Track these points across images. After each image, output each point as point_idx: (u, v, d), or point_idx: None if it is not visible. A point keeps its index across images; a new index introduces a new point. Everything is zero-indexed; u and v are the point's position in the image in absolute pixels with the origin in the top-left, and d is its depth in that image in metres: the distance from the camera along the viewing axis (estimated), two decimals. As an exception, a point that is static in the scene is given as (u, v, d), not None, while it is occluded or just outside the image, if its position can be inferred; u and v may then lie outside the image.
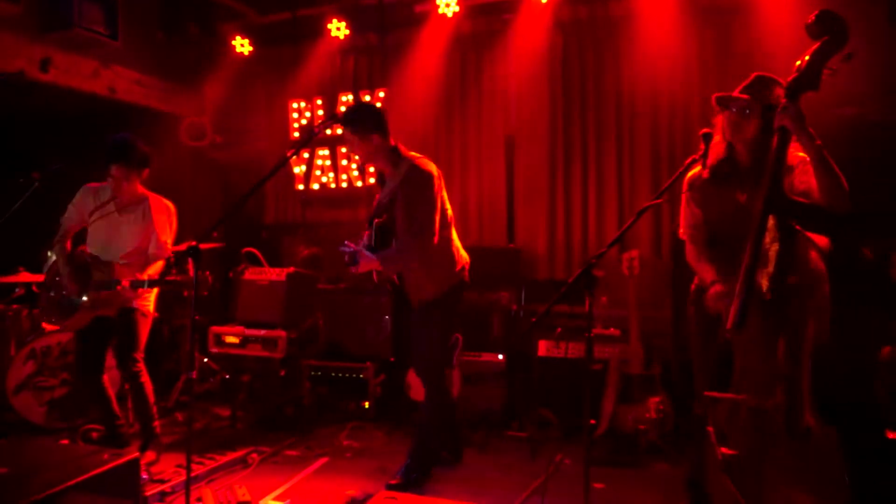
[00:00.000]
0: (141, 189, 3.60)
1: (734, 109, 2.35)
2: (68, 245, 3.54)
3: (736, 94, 2.40)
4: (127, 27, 4.98)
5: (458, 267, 3.31)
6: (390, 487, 3.13)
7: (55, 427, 4.05)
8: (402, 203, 3.04)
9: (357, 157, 3.41)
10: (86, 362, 3.55)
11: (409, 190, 3.04)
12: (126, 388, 3.91)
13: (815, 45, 2.02)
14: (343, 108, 3.06)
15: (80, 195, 3.58)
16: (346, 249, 2.98)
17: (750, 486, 2.03)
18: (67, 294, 3.45)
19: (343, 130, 3.21)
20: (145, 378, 3.56)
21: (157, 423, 3.61)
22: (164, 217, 3.60)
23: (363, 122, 3.07)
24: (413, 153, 3.20)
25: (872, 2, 4.04)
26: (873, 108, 4.02)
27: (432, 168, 3.14)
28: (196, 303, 2.72)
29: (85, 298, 3.38)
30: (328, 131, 3.15)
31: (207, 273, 3.30)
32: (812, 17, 2.02)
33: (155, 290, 3.65)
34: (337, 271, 5.40)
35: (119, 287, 3.21)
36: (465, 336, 4.27)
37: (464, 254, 3.39)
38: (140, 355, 3.55)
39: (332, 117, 3.24)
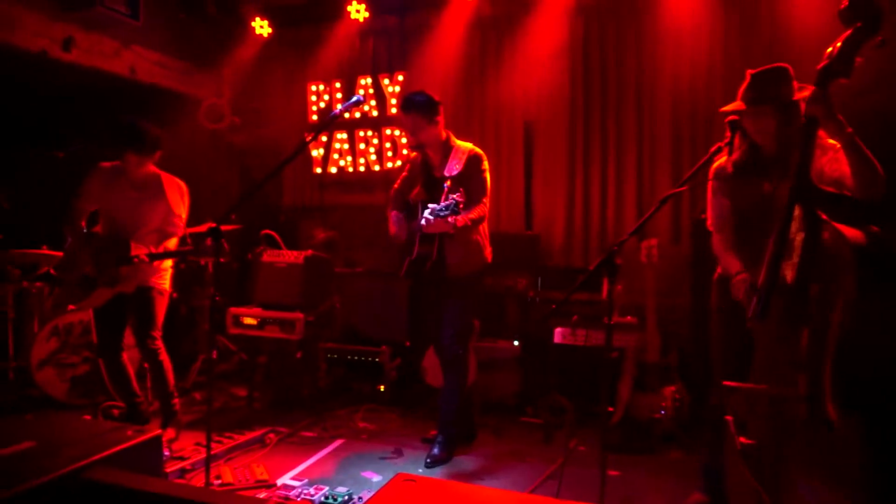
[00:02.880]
0: (153, 168, 3.62)
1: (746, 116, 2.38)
2: (83, 224, 3.57)
3: (738, 98, 2.42)
4: (148, 7, 4.98)
5: (489, 251, 3.56)
6: (429, 465, 3.36)
7: (77, 403, 4.13)
8: (474, 179, 3.35)
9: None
10: (105, 340, 3.60)
11: (477, 169, 3.39)
12: (145, 366, 3.97)
13: (847, 32, 1.97)
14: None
15: (92, 175, 3.59)
16: (450, 200, 3.03)
17: (768, 475, 2.01)
18: (85, 273, 3.49)
19: (407, 113, 3.37)
20: (164, 356, 3.60)
21: (176, 401, 3.67)
22: (178, 195, 3.62)
23: (432, 106, 3.36)
24: (457, 140, 3.50)
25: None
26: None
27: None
28: (215, 283, 2.75)
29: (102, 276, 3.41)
30: (346, 115, 3.22)
31: (224, 241, 3.30)
32: (845, 3, 1.96)
33: (170, 269, 3.69)
34: (352, 255, 5.43)
35: (136, 260, 3.25)
36: (482, 322, 4.29)
37: None
38: (158, 333, 3.59)
39: (406, 102, 3.39)
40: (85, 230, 3.55)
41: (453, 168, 3.38)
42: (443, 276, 3.41)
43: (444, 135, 3.46)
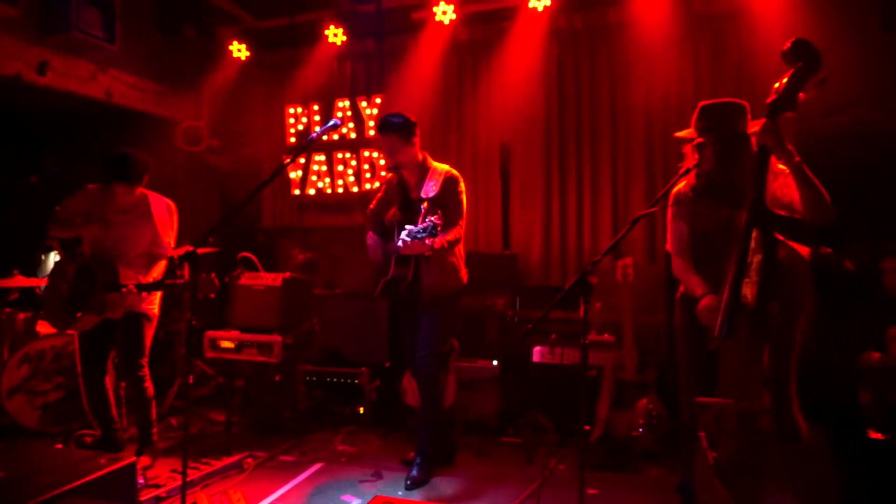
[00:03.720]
0: (140, 189, 3.59)
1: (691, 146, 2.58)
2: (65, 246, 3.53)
3: (692, 126, 2.59)
4: (124, 31, 4.99)
5: (465, 272, 3.58)
6: (409, 487, 3.34)
7: (49, 431, 4.03)
8: (451, 201, 3.39)
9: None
10: (89, 364, 3.54)
11: (454, 191, 3.43)
12: (121, 392, 3.91)
13: (791, 70, 2.11)
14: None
15: (78, 196, 3.55)
16: (427, 223, 3.05)
17: (741, 489, 2.05)
18: (71, 294, 3.43)
19: (384, 135, 3.41)
20: (148, 383, 3.56)
21: (154, 430, 3.61)
22: (166, 216, 3.59)
23: (408, 127, 3.41)
24: (433, 161, 3.56)
25: (865, 9, 4.10)
26: (867, 114, 4.07)
27: None
28: (192, 307, 2.74)
29: (90, 301, 3.36)
30: (324, 137, 3.25)
31: (213, 275, 3.31)
32: (787, 45, 2.12)
33: (159, 294, 3.65)
34: (331, 276, 5.42)
35: (124, 290, 3.22)
36: (461, 342, 4.29)
37: None
38: (145, 360, 3.55)
39: (383, 124, 3.43)
40: (69, 251, 3.51)
41: (430, 190, 3.41)
42: (419, 298, 3.42)
43: (420, 156, 3.50)
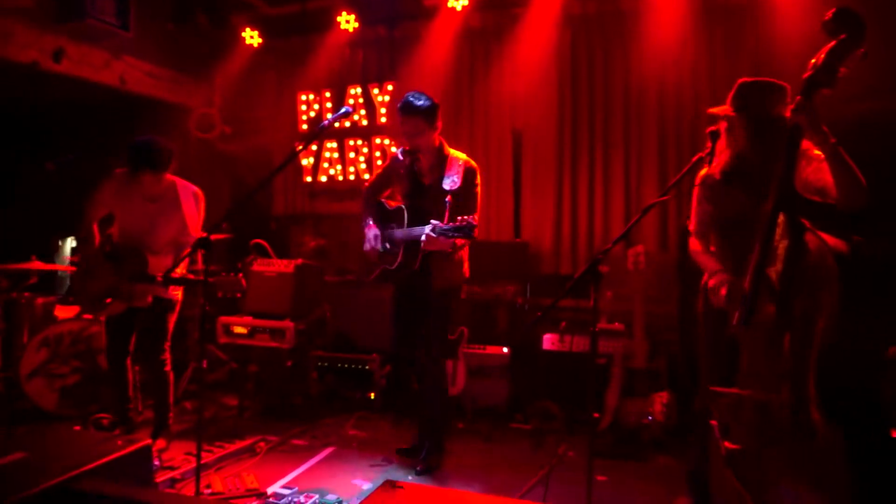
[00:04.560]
0: (169, 176, 3.59)
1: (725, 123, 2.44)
2: (95, 230, 3.58)
3: (727, 104, 2.45)
4: (138, 18, 5.01)
5: (468, 265, 3.51)
6: (418, 473, 3.34)
7: (66, 414, 4.12)
8: (468, 194, 3.31)
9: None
10: (114, 346, 3.62)
11: (472, 184, 3.34)
12: (136, 375, 3.98)
13: (832, 43, 1.98)
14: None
15: (108, 181, 3.56)
16: (462, 222, 2.99)
17: (752, 480, 2.04)
18: (100, 281, 3.49)
19: (409, 117, 3.26)
20: (169, 368, 3.63)
21: (171, 414, 3.68)
22: (193, 204, 3.61)
23: (434, 110, 3.30)
24: (450, 148, 3.45)
25: (886, -4, 4.01)
26: (892, 102, 3.98)
27: None
28: (205, 293, 2.78)
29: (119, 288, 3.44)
30: (336, 124, 3.17)
31: (240, 275, 3.37)
32: (829, 15, 1.97)
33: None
34: (342, 263, 5.45)
35: (153, 282, 3.30)
36: (471, 329, 4.33)
37: None
38: (168, 345, 3.62)
39: (409, 106, 3.27)
40: (99, 239, 3.57)
41: (452, 182, 3.29)
42: (428, 289, 3.36)
43: (437, 141, 3.38)
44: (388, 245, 3.45)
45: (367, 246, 3.45)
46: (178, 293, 3.64)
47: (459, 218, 3.01)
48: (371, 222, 3.48)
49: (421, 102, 3.25)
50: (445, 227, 3.00)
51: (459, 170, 3.32)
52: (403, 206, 3.41)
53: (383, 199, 3.59)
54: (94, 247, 3.54)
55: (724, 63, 4.56)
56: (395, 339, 3.65)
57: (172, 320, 3.63)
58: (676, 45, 4.62)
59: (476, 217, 3.28)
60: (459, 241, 3.03)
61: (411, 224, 3.35)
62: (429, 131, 3.29)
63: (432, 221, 3.05)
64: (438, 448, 3.51)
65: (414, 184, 3.43)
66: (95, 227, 3.58)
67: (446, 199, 3.20)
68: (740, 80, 2.46)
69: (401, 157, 3.45)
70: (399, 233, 3.39)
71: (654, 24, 4.66)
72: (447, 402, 3.56)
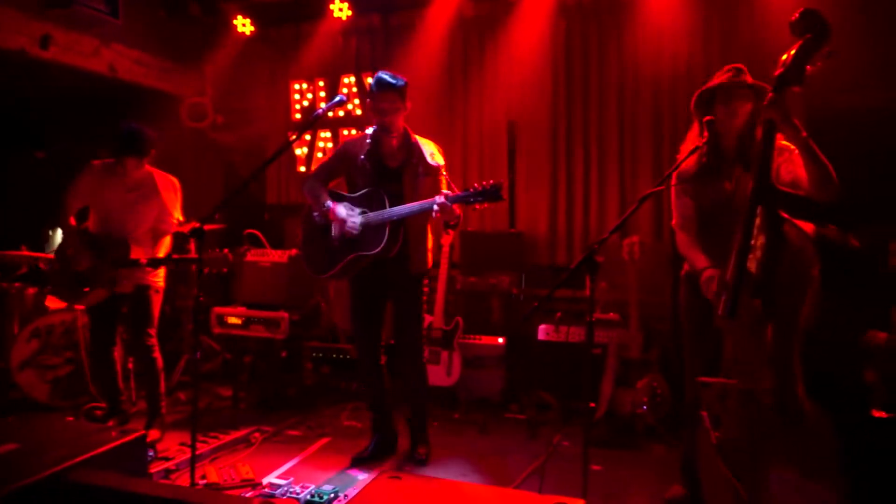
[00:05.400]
0: (147, 167, 3.65)
1: (735, 98, 2.48)
2: (72, 221, 3.58)
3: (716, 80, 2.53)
4: (128, 5, 4.95)
5: (431, 255, 3.40)
6: (421, 462, 3.33)
7: (59, 405, 4.10)
8: (440, 174, 3.22)
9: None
10: (98, 336, 3.64)
11: (440, 164, 3.24)
12: (128, 366, 3.96)
13: (798, 42, 2.06)
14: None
15: (84, 173, 3.61)
16: (479, 187, 2.90)
17: (743, 468, 2.06)
18: (80, 269, 3.50)
19: (385, 93, 3.13)
20: (157, 355, 3.63)
21: (163, 403, 3.67)
22: (172, 193, 3.66)
23: (406, 91, 3.18)
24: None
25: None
26: (873, 94, 4.02)
27: None
28: (199, 283, 2.76)
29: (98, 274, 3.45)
30: (330, 114, 3.10)
31: (226, 251, 3.37)
32: (795, 16, 2.06)
33: (164, 267, 3.69)
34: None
35: (136, 265, 3.30)
36: (466, 319, 4.32)
37: None
38: (153, 331, 3.63)
39: (384, 82, 3.16)
40: (77, 228, 3.57)
41: (433, 161, 3.22)
42: (403, 275, 3.25)
43: (402, 123, 3.25)
44: (365, 230, 3.17)
45: (335, 230, 3.20)
46: (159, 280, 3.65)
47: (483, 182, 2.89)
48: (331, 203, 3.19)
49: (397, 80, 3.15)
50: (462, 194, 2.91)
51: (433, 152, 3.25)
52: (380, 190, 3.15)
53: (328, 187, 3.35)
54: (74, 237, 3.53)
55: (719, 52, 4.54)
56: (359, 341, 3.41)
57: (157, 306, 3.63)
58: (671, 34, 4.60)
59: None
60: (480, 206, 2.91)
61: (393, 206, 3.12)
62: (402, 110, 3.18)
63: (444, 192, 3.01)
64: (427, 441, 3.46)
65: (378, 168, 3.23)
66: (73, 220, 3.58)
67: (443, 173, 3.16)
68: (734, 65, 2.51)
69: (369, 138, 3.26)
70: (390, 212, 3.10)
71: (649, 14, 4.64)
72: (429, 392, 3.50)
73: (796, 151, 2.23)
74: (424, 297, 3.40)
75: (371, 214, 3.16)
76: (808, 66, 2.05)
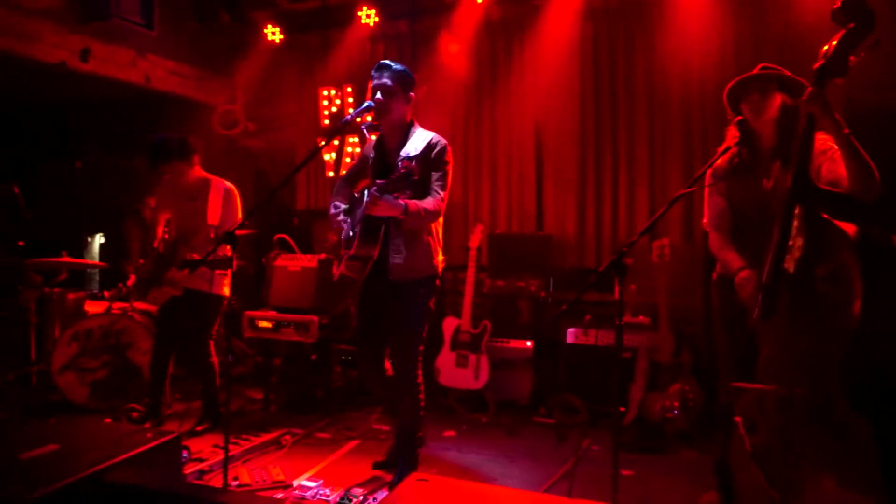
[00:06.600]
0: (201, 174, 3.84)
1: (753, 91, 2.45)
2: (159, 231, 3.89)
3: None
4: (162, 17, 5.08)
5: (441, 260, 3.09)
6: (377, 466, 3.28)
7: (97, 407, 4.20)
8: (435, 167, 2.94)
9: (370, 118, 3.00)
10: (161, 336, 3.88)
11: (441, 157, 2.96)
12: (170, 370, 4.09)
13: (841, 32, 1.98)
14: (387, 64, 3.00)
15: (159, 186, 3.93)
16: (401, 171, 2.61)
17: (778, 475, 2.02)
18: (145, 273, 3.86)
19: (379, 73, 2.95)
20: (214, 359, 3.81)
21: (221, 400, 3.84)
22: (219, 199, 3.78)
23: (408, 79, 2.99)
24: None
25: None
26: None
27: None
28: (231, 287, 2.82)
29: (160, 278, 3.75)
30: (358, 119, 3.03)
31: (263, 259, 3.58)
32: (838, 4, 1.97)
33: (228, 275, 3.78)
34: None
35: (175, 267, 3.57)
36: (494, 322, 4.31)
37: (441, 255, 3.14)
38: (208, 336, 3.80)
39: (385, 66, 2.97)
40: (158, 236, 3.87)
41: (411, 150, 2.93)
42: (385, 281, 2.94)
43: (409, 116, 3.05)
44: (351, 232, 3.02)
45: (335, 230, 3.11)
46: (223, 288, 3.80)
47: (401, 165, 2.58)
48: (339, 210, 3.08)
49: (396, 64, 2.98)
50: (384, 182, 2.61)
51: (424, 140, 2.96)
52: (366, 189, 2.91)
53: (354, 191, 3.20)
54: (155, 244, 3.87)
55: (750, 53, 4.45)
56: (359, 350, 3.25)
57: (214, 314, 3.82)
58: (701, 33, 4.54)
59: (445, 197, 2.91)
60: (403, 200, 2.63)
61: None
62: (400, 98, 2.94)
63: (377, 181, 2.68)
64: (413, 466, 3.09)
65: (380, 164, 3.05)
66: (161, 224, 3.89)
67: (399, 164, 2.66)
68: (761, 65, 2.47)
69: (366, 132, 3.17)
70: (356, 214, 2.98)
71: (678, 14, 4.58)
72: (418, 422, 3.12)
73: (839, 151, 2.14)
74: (432, 305, 3.08)
75: (350, 216, 3.06)
76: (852, 57, 1.96)
